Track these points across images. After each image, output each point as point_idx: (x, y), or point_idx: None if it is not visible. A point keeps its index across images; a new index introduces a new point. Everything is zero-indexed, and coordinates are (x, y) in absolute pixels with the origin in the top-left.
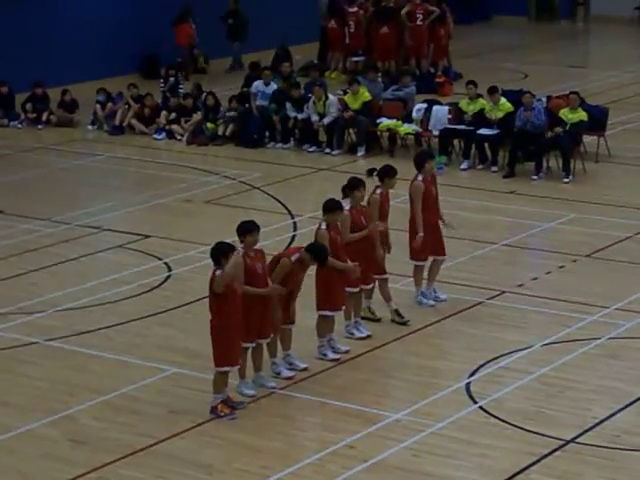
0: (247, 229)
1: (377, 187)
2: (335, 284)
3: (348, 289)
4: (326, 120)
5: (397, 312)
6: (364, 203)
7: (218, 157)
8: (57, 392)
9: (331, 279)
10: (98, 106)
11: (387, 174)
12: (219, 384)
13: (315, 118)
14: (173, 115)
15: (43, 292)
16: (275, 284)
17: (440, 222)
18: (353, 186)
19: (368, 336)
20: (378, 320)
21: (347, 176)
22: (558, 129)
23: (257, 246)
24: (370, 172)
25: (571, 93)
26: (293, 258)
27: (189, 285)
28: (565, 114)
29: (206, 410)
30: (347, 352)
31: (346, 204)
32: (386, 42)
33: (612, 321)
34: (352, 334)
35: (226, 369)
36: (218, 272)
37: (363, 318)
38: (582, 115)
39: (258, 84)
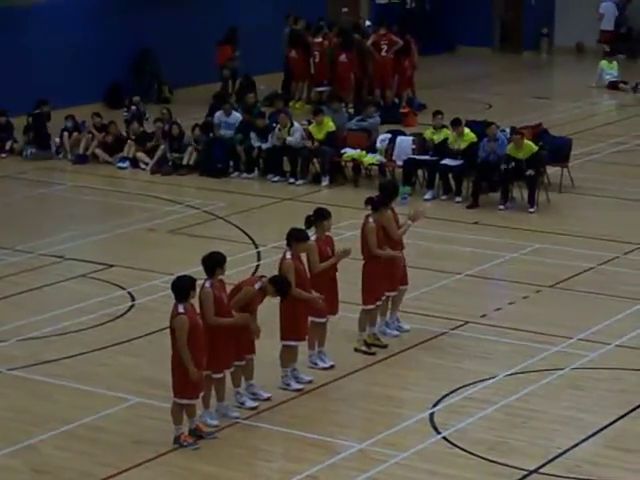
0: (221, 261)
1: (368, 215)
2: (300, 314)
3: (314, 319)
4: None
5: (365, 342)
6: (329, 233)
7: (182, 187)
8: (20, 421)
9: (296, 309)
10: (66, 134)
11: (383, 204)
12: (177, 415)
13: (290, 140)
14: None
15: (5, 321)
16: (235, 311)
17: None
18: (321, 216)
19: (331, 366)
20: (384, 346)
21: (311, 206)
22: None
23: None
24: (368, 202)
25: (515, 134)
26: (257, 286)
27: (152, 315)
28: (512, 151)
29: (169, 440)
30: (310, 382)
31: (311, 234)
32: (347, 72)
33: (575, 352)
34: (316, 364)
35: (184, 401)
36: (180, 307)
37: (370, 345)
38: (530, 147)
39: (220, 114)
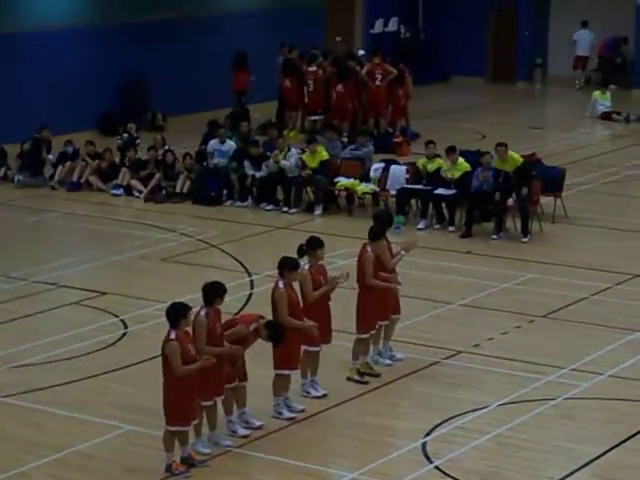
0: (221, 292)
1: (365, 244)
2: (293, 343)
3: (307, 348)
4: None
5: (358, 371)
6: (322, 262)
7: (175, 215)
8: (11, 449)
9: (289, 338)
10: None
11: (379, 234)
12: (169, 443)
13: (285, 163)
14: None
15: None
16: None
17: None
18: (314, 245)
19: (324, 395)
20: (377, 375)
21: (305, 235)
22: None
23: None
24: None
25: (498, 145)
26: (251, 327)
27: (145, 342)
28: (497, 164)
29: (161, 468)
30: (303, 411)
31: (304, 263)
32: (342, 101)
33: (568, 381)
34: (308, 393)
35: (175, 429)
36: (172, 334)
37: (363, 374)
38: (516, 160)
39: (214, 143)
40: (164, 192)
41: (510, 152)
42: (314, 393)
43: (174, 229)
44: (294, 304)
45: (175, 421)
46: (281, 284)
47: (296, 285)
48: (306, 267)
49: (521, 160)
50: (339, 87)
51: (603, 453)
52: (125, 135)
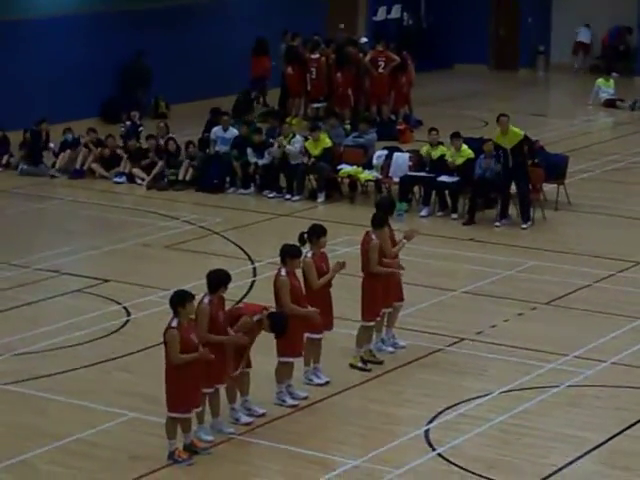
0: (226, 280)
1: (369, 232)
2: (296, 330)
3: (310, 335)
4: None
5: (362, 359)
6: (324, 249)
7: (178, 202)
8: (14, 437)
9: (292, 325)
10: (68, 151)
11: (382, 222)
12: (171, 430)
13: (290, 148)
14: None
15: (0, 336)
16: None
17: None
18: (316, 233)
19: (327, 382)
20: (380, 363)
21: (307, 222)
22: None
23: None
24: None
25: (501, 115)
26: (255, 318)
27: (148, 330)
28: (498, 138)
29: (164, 455)
30: (306, 398)
31: (306, 251)
32: (344, 89)
33: (571, 369)
34: (311, 380)
35: (176, 415)
36: (174, 322)
37: (365, 361)
38: (517, 134)
39: (217, 130)
40: (166, 180)
41: (511, 126)
42: (317, 380)
43: (177, 216)
44: (297, 292)
45: (176, 408)
46: (283, 272)
47: (299, 273)
48: (309, 255)
49: (522, 134)
50: (339, 74)
51: (606, 440)
52: (128, 123)
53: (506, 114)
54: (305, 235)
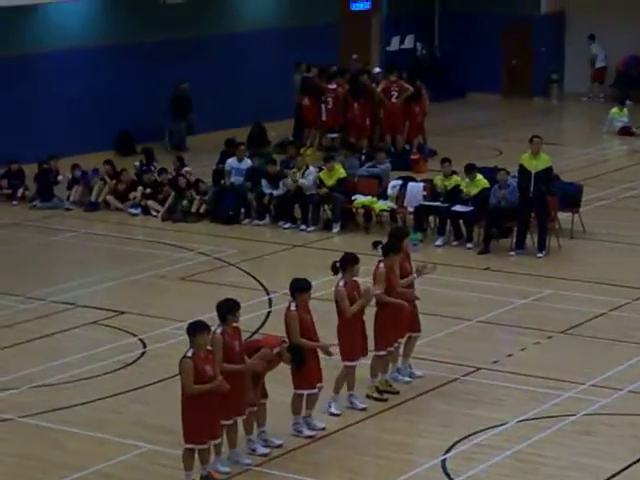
0: (233, 308)
1: (380, 261)
2: (309, 363)
3: (346, 363)
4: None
5: (377, 389)
6: (356, 278)
7: (193, 233)
8: (30, 468)
9: (306, 358)
10: (75, 186)
11: (392, 250)
12: (188, 461)
13: (303, 182)
14: (148, 190)
15: (17, 368)
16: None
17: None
18: (349, 261)
19: (364, 409)
20: (396, 393)
21: (323, 253)
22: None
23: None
24: (376, 245)
25: (534, 137)
26: (275, 351)
27: (164, 361)
28: (526, 161)
29: None
30: (323, 429)
31: (340, 280)
32: (358, 119)
33: (587, 397)
34: (332, 412)
35: (191, 446)
36: (190, 352)
37: (381, 391)
38: (546, 160)
39: (232, 161)
40: (181, 211)
41: (542, 151)
42: (359, 405)
43: (192, 248)
44: (307, 326)
45: (191, 439)
46: (292, 306)
47: (311, 303)
48: (341, 283)
49: (550, 163)
50: (354, 105)
51: (623, 469)
52: (136, 164)
53: (539, 136)
54: (337, 264)
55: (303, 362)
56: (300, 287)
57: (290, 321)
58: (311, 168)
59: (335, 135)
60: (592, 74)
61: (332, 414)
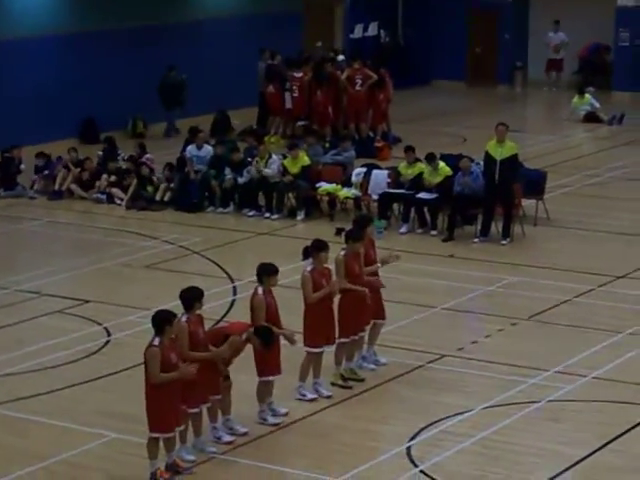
0: (198, 295)
1: (343, 248)
2: (273, 350)
3: (309, 350)
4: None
5: (342, 376)
6: (326, 265)
7: (157, 222)
8: None
9: (273, 339)
10: (39, 175)
11: (355, 237)
12: (153, 450)
13: (267, 171)
14: (113, 178)
15: None
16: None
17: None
18: (318, 247)
19: (329, 396)
20: (361, 380)
21: (287, 240)
22: None
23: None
24: (339, 231)
25: (500, 124)
26: (244, 337)
27: (128, 350)
28: (491, 148)
29: (146, 476)
30: (286, 414)
31: (308, 265)
32: (322, 106)
33: (552, 384)
34: (304, 395)
35: (157, 435)
36: (156, 340)
37: (346, 379)
38: (512, 147)
39: (191, 148)
40: (145, 199)
41: (507, 138)
42: (309, 395)
43: (156, 236)
44: (272, 311)
45: (157, 428)
46: (260, 291)
47: (276, 291)
48: (308, 268)
49: (516, 148)
50: (318, 92)
51: (588, 455)
52: (100, 153)
53: (505, 123)
54: (309, 249)
55: (272, 342)
56: (268, 270)
57: (257, 305)
58: (274, 157)
59: (303, 123)
60: (547, 64)
61: (308, 399)
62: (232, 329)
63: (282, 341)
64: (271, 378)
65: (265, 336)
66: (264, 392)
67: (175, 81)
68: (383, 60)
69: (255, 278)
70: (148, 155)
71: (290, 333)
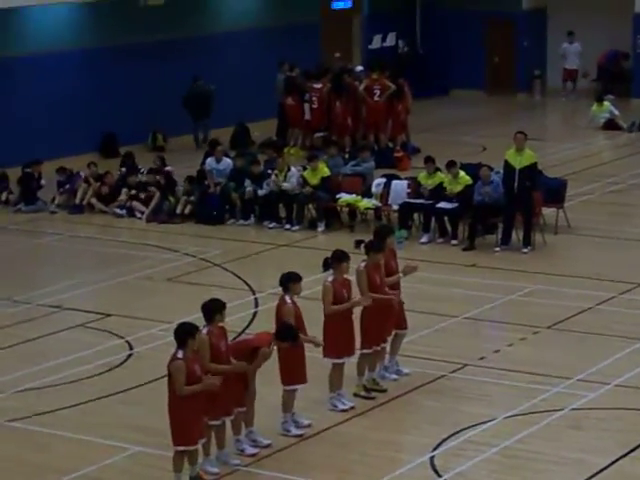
0: (219, 307)
1: (364, 260)
2: (298, 358)
3: (333, 361)
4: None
5: (364, 387)
6: (347, 276)
7: (178, 235)
8: (17, 473)
9: (294, 354)
10: (61, 189)
11: (375, 248)
12: (178, 463)
13: (287, 185)
14: (133, 191)
15: (3, 372)
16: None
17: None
18: (338, 258)
19: (352, 407)
20: (384, 391)
21: (308, 252)
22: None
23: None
24: (358, 244)
25: (518, 133)
26: (272, 347)
27: (150, 363)
28: (510, 157)
29: None
30: (309, 426)
31: (329, 276)
32: (341, 117)
33: (574, 392)
34: (335, 406)
35: (182, 448)
36: (180, 353)
37: (369, 389)
38: (531, 156)
39: (210, 161)
40: (165, 212)
41: (527, 147)
42: (341, 407)
43: (177, 249)
44: (300, 319)
45: (181, 441)
46: (288, 299)
47: (298, 302)
48: (329, 279)
49: (535, 157)
50: (337, 103)
51: (611, 463)
52: (123, 169)
53: (523, 132)
54: (329, 260)
55: (297, 337)
56: (293, 278)
57: (287, 313)
58: (293, 169)
59: (322, 134)
60: (563, 74)
61: (342, 410)
62: (258, 340)
63: (307, 350)
64: (297, 387)
65: (288, 333)
66: (289, 402)
67: (203, 91)
68: (401, 70)
69: (276, 290)
70: (168, 168)
71: (314, 338)
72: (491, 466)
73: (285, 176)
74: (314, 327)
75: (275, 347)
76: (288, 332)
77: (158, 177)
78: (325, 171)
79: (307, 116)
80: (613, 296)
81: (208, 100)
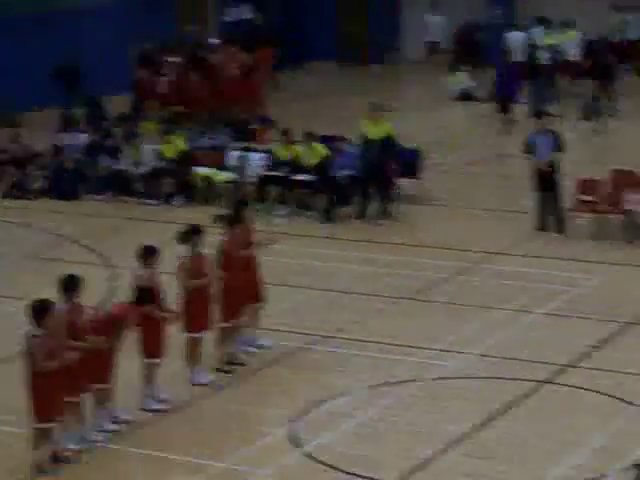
0: (77, 284)
1: (221, 233)
2: (159, 331)
3: (190, 335)
4: (141, 169)
5: (224, 361)
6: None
7: (33, 210)
8: None
9: (154, 326)
10: None
11: (233, 221)
12: (37, 440)
13: (132, 168)
14: None
15: None
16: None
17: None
18: (194, 232)
19: (211, 382)
20: (242, 364)
21: (165, 226)
22: None
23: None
24: (215, 219)
25: (373, 104)
26: (131, 317)
27: (4, 339)
28: (367, 128)
29: (30, 466)
30: (166, 400)
31: (184, 251)
32: (197, 91)
33: (434, 362)
34: (195, 381)
35: (41, 425)
36: (36, 330)
37: (228, 363)
38: (387, 127)
39: (66, 136)
40: (20, 188)
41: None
42: (201, 381)
43: (32, 225)
44: (155, 290)
45: (40, 418)
46: (143, 272)
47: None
48: (185, 254)
49: (391, 129)
50: (193, 76)
51: (472, 431)
52: None
53: (379, 103)
54: (184, 235)
55: (155, 299)
56: (150, 250)
57: (142, 282)
58: (145, 146)
59: (179, 108)
60: (426, 47)
61: (202, 384)
62: (117, 312)
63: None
64: (158, 360)
65: (145, 295)
66: (150, 375)
67: (71, 65)
68: (257, 43)
69: (133, 264)
70: (22, 143)
71: (172, 310)
72: (352, 437)
73: (139, 151)
74: (171, 302)
75: (134, 318)
76: (144, 295)
77: (13, 151)
78: (181, 145)
79: (163, 90)
80: (470, 266)
81: (77, 75)
